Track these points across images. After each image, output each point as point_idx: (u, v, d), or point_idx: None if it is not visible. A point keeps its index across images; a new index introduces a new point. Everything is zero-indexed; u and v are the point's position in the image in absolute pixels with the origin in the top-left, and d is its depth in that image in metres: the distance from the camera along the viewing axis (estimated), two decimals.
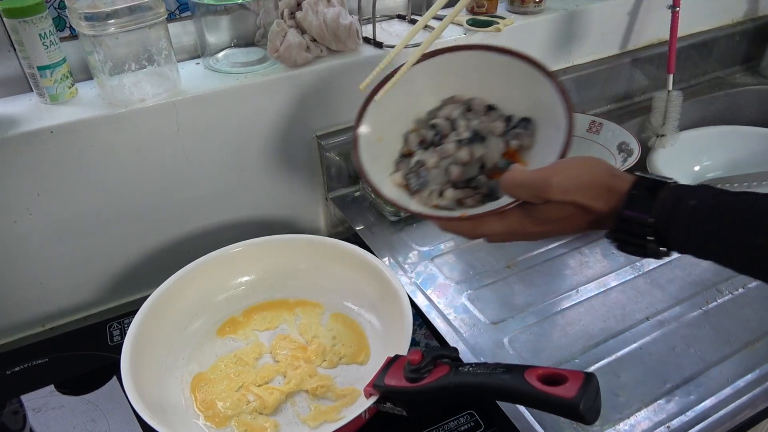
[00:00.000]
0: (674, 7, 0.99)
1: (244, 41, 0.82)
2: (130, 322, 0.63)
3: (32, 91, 0.70)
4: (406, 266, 0.77)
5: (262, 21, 0.81)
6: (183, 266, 0.70)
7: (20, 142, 0.66)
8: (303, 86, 0.80)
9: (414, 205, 0.54)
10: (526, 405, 0.44)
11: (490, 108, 0.57)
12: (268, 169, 0.84)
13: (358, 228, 0.84)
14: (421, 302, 0.71)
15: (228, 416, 0.59)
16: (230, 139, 0.79)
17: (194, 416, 0.60)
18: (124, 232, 0.78)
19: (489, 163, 0.55)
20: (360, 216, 0.87)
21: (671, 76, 1.01)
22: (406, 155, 0.58)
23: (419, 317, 0.69)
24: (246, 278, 0.73)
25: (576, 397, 0.41)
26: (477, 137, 0.55)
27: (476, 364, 0.48)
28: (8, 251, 0.72)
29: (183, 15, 0.82)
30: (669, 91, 1.01)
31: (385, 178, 0.55)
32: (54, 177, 0.70)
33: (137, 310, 0.64)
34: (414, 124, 0.60)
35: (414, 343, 0.68)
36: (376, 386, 0.53)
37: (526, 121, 0.55)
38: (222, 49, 0.81)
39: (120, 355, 0.59)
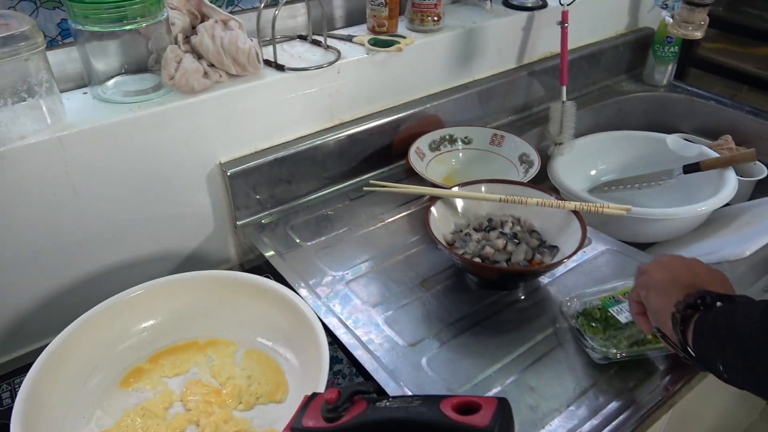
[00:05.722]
0: (563, 23, 1.04)
1: (136, 67, 0.77)
2: (20, 382, 0.58)
3: None
4: (320, 291, 0.76)
5: (153, 46, 0.77)
6: (81, 313, 0.65)
7: None
8: (203, 113, 0.77)
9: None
10: None
11: (534, 231, 0.79)
12: (169, 202, 0.80)
13: (268, 255, 0.82)
14: (336, 328, 0.70)
15: None
16: (125, 173, 0.74)
17: None
18: (11, 278, 0.72)
19: (514, 259, 0.74)
20: (271, 242, 0.84)
21: (564, 88, 1.07)
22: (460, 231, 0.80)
23: (337, 345, 0.68)
24: (150, 322, 0.69)
25: (490, 425, 0.41)
26: (515, 238, 0.76)
27: (393, 397, 0.48)
28: None
29: (65, 41, 0.77)
30: (563, 102, 1.07)
31: (439, 236, 0.76)
32: None
33: (29, 366, 0.59)
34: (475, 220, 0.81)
35: (334, 370, 0.67)
36: (294, 429, 0.51)
37: (553, 248, 0.76)
38: (112, 77, 0.76)
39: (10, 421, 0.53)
